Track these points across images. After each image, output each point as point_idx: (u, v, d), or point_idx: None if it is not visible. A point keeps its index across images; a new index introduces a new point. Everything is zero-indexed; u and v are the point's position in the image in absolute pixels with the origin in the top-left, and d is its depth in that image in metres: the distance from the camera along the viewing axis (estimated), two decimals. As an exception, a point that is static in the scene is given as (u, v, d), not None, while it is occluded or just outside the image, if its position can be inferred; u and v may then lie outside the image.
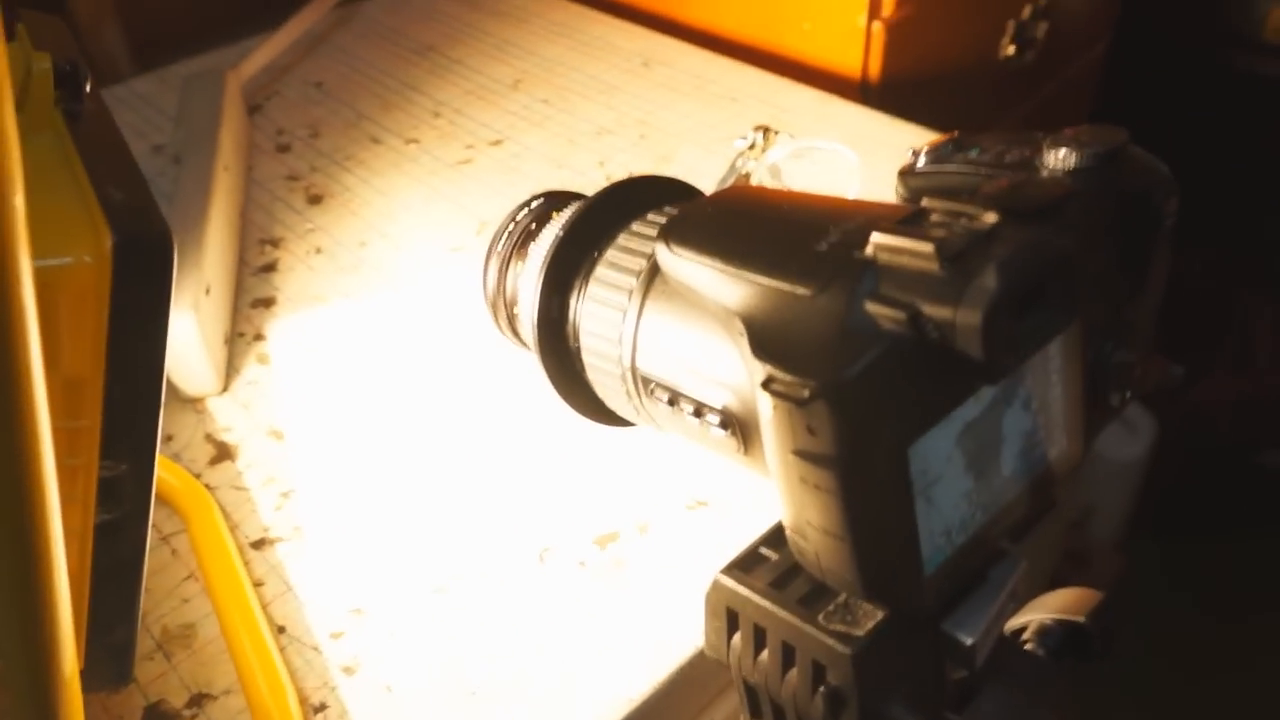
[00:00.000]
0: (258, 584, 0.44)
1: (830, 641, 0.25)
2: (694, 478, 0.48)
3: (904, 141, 0.72)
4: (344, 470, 0.50)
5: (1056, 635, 0.33)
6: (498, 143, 0.75)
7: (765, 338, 0.24)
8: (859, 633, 0.25)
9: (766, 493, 0.25)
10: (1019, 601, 0.26)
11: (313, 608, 0.44)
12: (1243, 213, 1.67)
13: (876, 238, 0.23)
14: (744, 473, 0.28)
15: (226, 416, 0.53)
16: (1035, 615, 0.34)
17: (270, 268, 0.64)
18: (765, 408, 0.23)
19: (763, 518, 0.28)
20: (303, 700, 0.40)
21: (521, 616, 0.43)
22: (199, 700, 0.40)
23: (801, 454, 0.23)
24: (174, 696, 0.40)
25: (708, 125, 0.75)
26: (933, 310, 0.22)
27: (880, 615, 0.25)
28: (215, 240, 0.57)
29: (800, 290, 0.24)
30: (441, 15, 0.94)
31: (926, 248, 0.22)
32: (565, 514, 0.47)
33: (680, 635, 0.41)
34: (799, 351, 0.23)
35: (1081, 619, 0.34)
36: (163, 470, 0.47)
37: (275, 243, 0.66)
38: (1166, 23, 1.54)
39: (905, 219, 0.24)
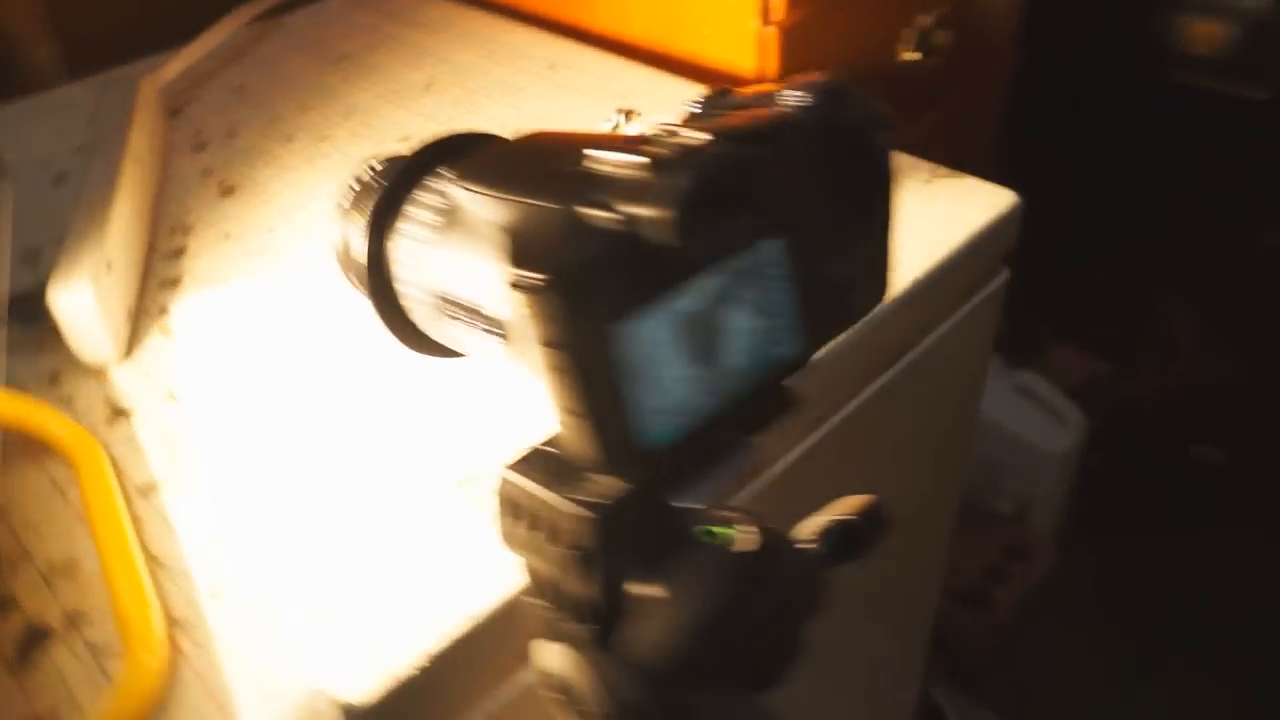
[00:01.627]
0: (139, 525, 0.48)
1: (579, 511, 0.29)
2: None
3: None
4: (237, 429, 0.54)
5: (834, 533, 0.38)
6: (405, 139, 0.79)
7: (516, 246, 0.28)
8: (602, 502, 0.29)
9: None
10: (741, 483, 0.31)
11: (190, 543, 0.47)
12: (1161, 217, 1.74)
13: (592, 154, 0.27)
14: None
15: (126, 383, 0.57)
16: (823, 517, 0.39)
17: (179, 252, 0.68)
18: (515, 306, 0.27)
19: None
20: (168, 617, 0.43)
21: (383, 540, 0.46)
22: (75, 620, 0.44)
23: (541, 341, 0.27)
24: (52, 616, 0.44)
25: (606, 120, 0.80)
26: (639, 209, 0.26)
27: (622, 488, 0.29)
28: (119, 223, 0.61)
29: (542, 204, 0.28)
30: (361, 27, 0.99)
31: (638, 160, 0.26)
32: (430, 451, 0.51)
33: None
34: (535, 253, 0.27)
35: (854, 517, 0.38)
36: (53, 422, 0.51)
37: (186, 230, 0.70)
38: (1085, 34, 1.61)
39: (631, 140, 0.28)
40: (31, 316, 0.56)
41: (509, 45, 0.94)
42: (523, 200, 0.29)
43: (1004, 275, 0.72)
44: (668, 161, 0.26)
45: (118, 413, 0.55)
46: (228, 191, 0.74)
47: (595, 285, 0.26)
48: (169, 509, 0.49)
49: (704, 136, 0.27)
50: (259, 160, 0.77)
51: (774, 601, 0.29)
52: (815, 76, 0.31)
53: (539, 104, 0.83)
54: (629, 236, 0.26)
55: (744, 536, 0.35)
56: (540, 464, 0.31)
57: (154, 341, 0.60)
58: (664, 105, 0.83)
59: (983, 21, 1.19)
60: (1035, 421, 1.53)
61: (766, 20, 0.90)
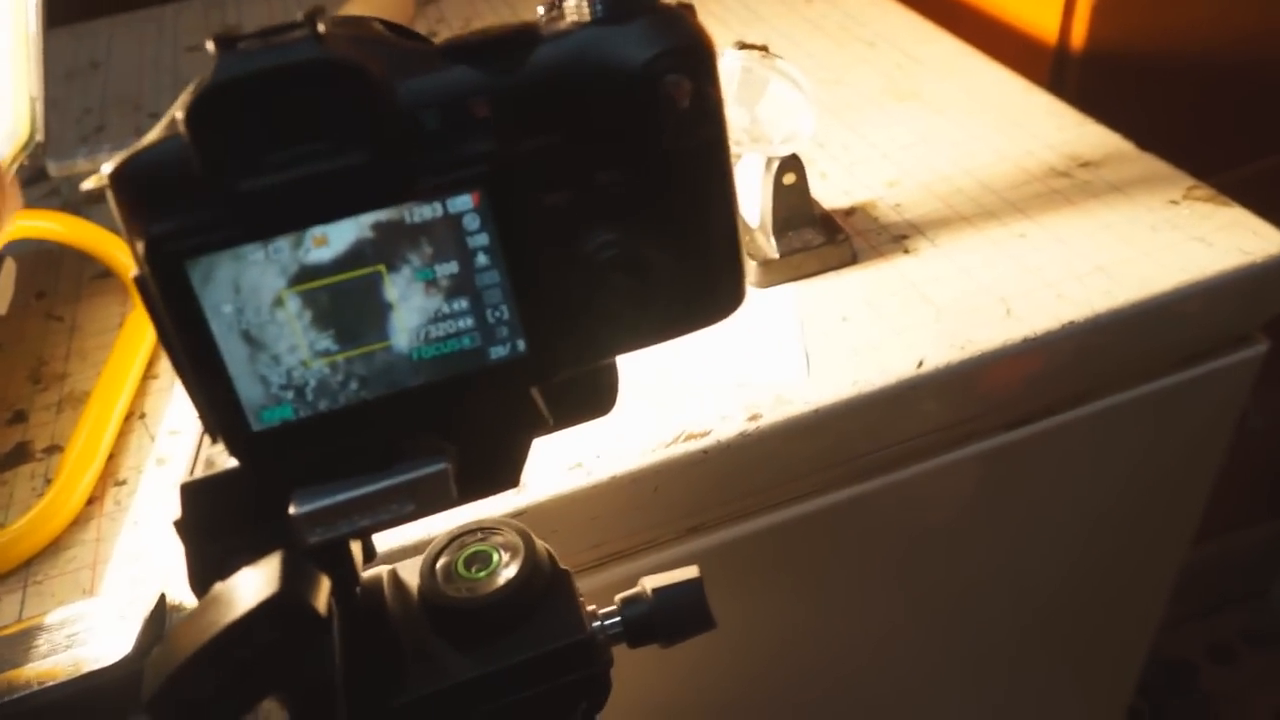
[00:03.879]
0: (153, 376, 0.50)
1: (182, 477, 0.24)
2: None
3: (1042, 116, 0.62)
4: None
5: (639, 605, 0.29)
6: (611, 55, 0.74)
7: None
8: (190, 477, 0.24)
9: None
10: (419, 504, 0.23)
11: (176, 405, 0.48)
12: None
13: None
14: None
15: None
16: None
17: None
18: None
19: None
20: (109, 473, 0.44)
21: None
22: (51, 450, 0.46)
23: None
24: (40, 442, 0.47)
25: (821, 66, 0.69)
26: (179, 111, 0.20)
27: (230, 466, 0.24)
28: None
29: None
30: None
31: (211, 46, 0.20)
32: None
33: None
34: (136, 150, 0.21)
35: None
36: (129, 257, 0.54)
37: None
38: None
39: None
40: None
41: (779, -30, 0.84)
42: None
43: (1260, 348, 0.53)
44: (236, 51, 0.19)
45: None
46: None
47: (159, 194, 0.20)
48: (183, 369, 0.50)
49: (302, 34, 0.19)
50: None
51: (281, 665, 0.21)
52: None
53: (769, 35, 0.74)
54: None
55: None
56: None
57: (278, 211, 0.62)
58: (905, 60, 0.71)
59: None
60: None
61: (1079, -28, 0.72)
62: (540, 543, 0.29)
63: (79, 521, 0.42)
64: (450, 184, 0.21)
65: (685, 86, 0.22)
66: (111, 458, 0.45)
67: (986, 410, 0.48)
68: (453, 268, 0.22)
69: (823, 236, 0.51)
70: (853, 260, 0.51)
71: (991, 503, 0.53)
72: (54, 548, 0.41)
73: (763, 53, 0.48)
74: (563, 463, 0.41)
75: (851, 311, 0.48)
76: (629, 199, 0.23)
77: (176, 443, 0.46)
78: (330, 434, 0.23)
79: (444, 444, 0.24)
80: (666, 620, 0.28)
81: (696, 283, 0.24)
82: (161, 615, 0.37)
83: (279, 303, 0.21)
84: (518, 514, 0.40)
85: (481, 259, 0.22)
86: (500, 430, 0.25)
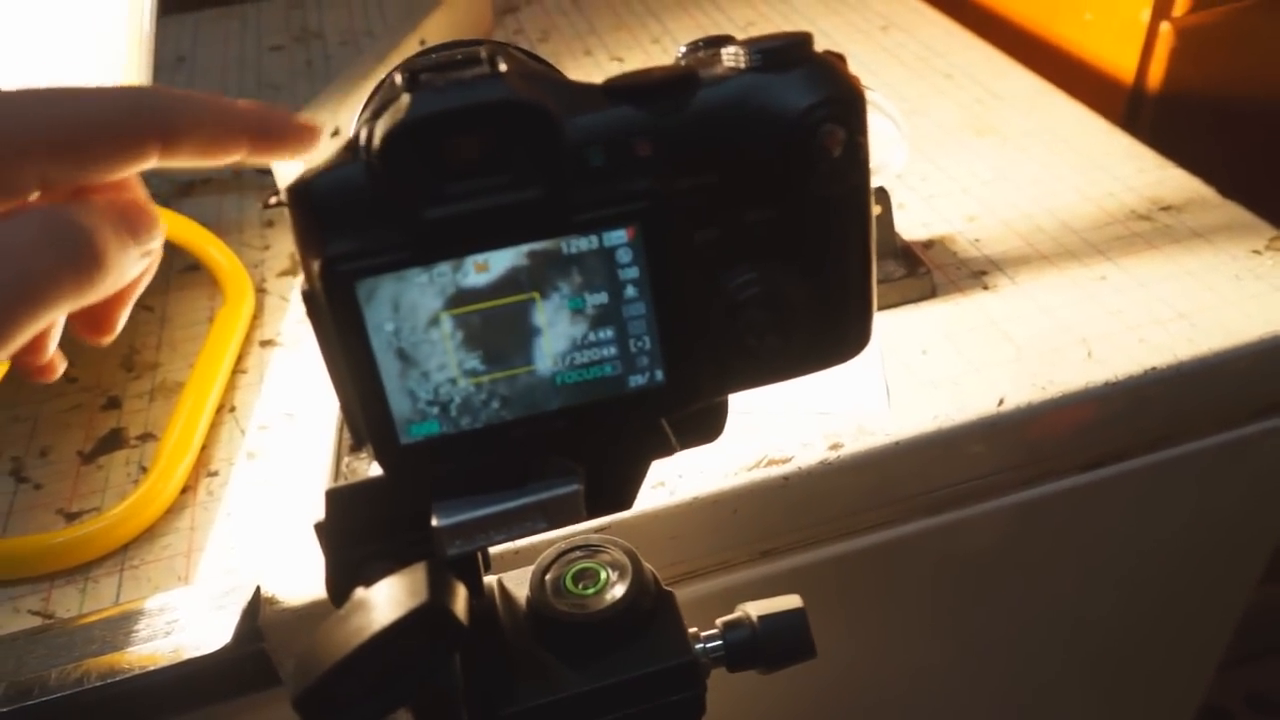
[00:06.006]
0: (241, 370, 0.51)
1: (328, 484, 0.25)
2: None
3: (1122, 158, 0.62)
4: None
5: (743, 630, 0.30)
6: (689, 74, 0.75)
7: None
8: (348, 481, 0.25)
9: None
10: (550, 521, 0.24)
11: (265, 400, 0.49)
12: None
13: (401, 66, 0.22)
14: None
15: (317, 243, 0.61)
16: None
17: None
18: None
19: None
20: (202, 463, 0.46)
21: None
22: (144, 438, 0.48)
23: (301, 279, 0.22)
24: (134, 429, 0.48)
25: (899, 96, 0.70)
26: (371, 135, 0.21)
27: (364, 475, 0.25)
28: (363, 97, 0.64)
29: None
30: (724, -45, 0.95)
31: (397, 78, 0.21)
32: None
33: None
34: (314, 166, 0.22)
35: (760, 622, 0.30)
36: (222, 257, 0.56)
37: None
38: None
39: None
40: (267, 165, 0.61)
41: (858, -3, 0.85)
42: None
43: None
44: (424, 87, 0.20)
45: (294, 267, 0.59)
46: (504, 92, 0.75)
47: (336, 214, 0.21)
48: (271, 367, 0.52)
49: (479, 70, 0.20)
50: (550, 69, 0.78)
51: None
52: (785, 34, 0.23)
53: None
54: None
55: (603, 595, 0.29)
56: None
57: (361, 213, 0.63)
58: (983, 95, 0.71)
59: None
60: None
61: (1162, 14, 0.72)
62: (646, 563, 0.30)
63: (173, 509, 0.43)
64: (609, 218, 0.22)
65: (839, 135, 0.22)
66: (204, 449, 0.46)
67: (1060, 452, 0.49)
68: (602, 298, 0.23)
69: (904, 269, 0.51)
70: (932, 293, 0.52)
71: (1057, 543, 0.53)
72: (150, 534, 0.42)
73: (856, 85, 0.49)
74: (647, 481, 0.42)
75: (931, 345, 0.49)
76: (774, 239, 0.23)
77: (266, 438, 0.47)
78: (471, 450, 0.23)
79: (575, 465, 0.25)
80: (771, 647, 0.29)
81: (829, 323, 0.25)
82: (256, 607, 0.38)
83: (434, 322, 0.22)
84: (600, 529, 0.41)
85: (630, 291, 0.23)
86: (627, 454, 0.26)
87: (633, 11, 0.86)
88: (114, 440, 0.48)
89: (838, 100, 0.22)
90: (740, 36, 0.23)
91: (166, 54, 0.85)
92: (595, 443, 0.25)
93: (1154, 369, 0.47)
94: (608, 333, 0.23)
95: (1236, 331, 0.48)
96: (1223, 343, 0.47)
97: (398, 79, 0.21)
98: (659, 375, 0.24)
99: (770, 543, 0.46)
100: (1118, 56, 0.76)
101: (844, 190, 0.23)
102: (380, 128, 0.20)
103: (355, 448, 0.27)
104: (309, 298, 0.22)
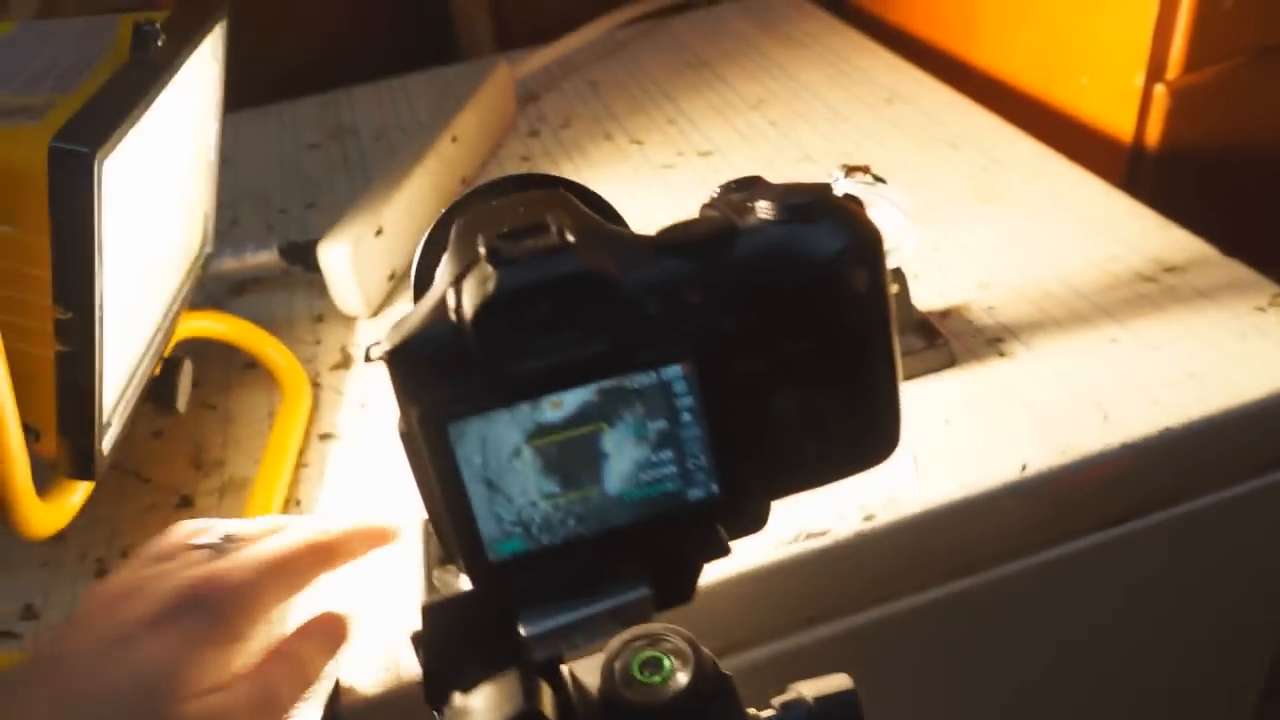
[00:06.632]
0: (303, 465, 0.55)
1: (423, 599, 0.28)
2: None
3: (1125, 220, 0.65)
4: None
5: (799, 711, 0.32)
6: (706, 154, 0.79)
7: (407, 315, 0.27)
8: (441, 594, 0.28)
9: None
10: (623, 623, 0.27)
11: (327, 492, 0.53)
12: None
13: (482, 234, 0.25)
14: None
15: (365, 336, 0.64)
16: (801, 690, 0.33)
17: (467, 228, 0.74)
18: None
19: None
20: (274, 559, 0.49)
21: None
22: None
23: (398, 419, 0.26)
24: (206, 528, 0.52)
25: (906, 166, 0.73)
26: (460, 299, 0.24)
27: (459, 590, 0.28)
28: (408, 194, 0.68)
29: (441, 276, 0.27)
30: (732, 35, 0.99)
31: (479, 249, 0.24)
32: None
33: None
34: (402, 324, 0.26)
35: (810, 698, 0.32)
36: (281, 357, 0.59)
37: (483, 209, 0.77)
38: None
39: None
40: (311, 263, 0.65)
41: (861, 70, 0.89)
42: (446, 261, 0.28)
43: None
44: (512, 260, 0.23)
45: (346, 360, 0.63)
46: (531, 179, 0.79)
47: (429, 368, 0.24)
48: (331, 460, 0.55)
49: (553, 239, 0.24)
50: (571, 152, 0.82)
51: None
52: (809, 187, 0.26)
53: (854, 137, 0.78)
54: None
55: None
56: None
57: (403, 306, 0.67)
58: (987, 163, 0.74)
59: None
60: None
61: (1155, 77, 0.76)
62: (704, 647, 0.32)
63: (251, 605, 0.46)
64: (666, 356, 0.25)
65: (863, 275, 0.25)
66: (275, 544, 0.49)
67: (1082, 511, 0.51)
68: (662, 424, 0.26)
69: (923, 341, 0.54)
70: (951, 363, 0.55)
71: (1084, 597, 0.56)
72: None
73: (865, 174, 0.52)
74: (692, 559, 0.45)
75: (953, 414, 0.52)
76: (811, 366, 0.26)
77: (331, 531, 0.50)
78: (552, 564, 0.26)
79: (641, 569, 0.28)
80: (825, 726, 0.31)
81: (864, 431, 0.28)
82: (336, 698, 0.41)
83: (517, 454, 0.25)
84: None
85: (686, 416, 0.26)
86: (687, 555, 0.29)
87: (648, 94, 0.90)
88: (189, 538, 0.51)
89: (860, 245, 0.25)
90: (753, 116, 0.27)
91: (208, 154, 0.90)
92: (659, 549, 0.27)
93: (1168, 429, 0.49)
94: (668, 454, 0.26)
95: (1245, 389, 0.50)
96: (1233, 401, 0.50)
97: (480, 247, 0.24)
98: (714, 488, 0.27)
99: (812, 610, 0.49)
100: (1115, 119, 0.79)
101: (870, 319, 0.26)
102: (469, 299, 0.23)
103: (444, 561, 0.30)
104: (407, 438, 0.25)
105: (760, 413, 0.27)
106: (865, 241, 0.25)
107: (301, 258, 0.66)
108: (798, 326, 0.26)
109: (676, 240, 0.25)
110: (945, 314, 0.59)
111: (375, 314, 0.66)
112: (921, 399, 0.53)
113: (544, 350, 0.24)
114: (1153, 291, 0.58)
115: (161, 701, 0.31)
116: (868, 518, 0.46)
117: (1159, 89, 0.76)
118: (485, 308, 0.23)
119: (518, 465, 0.25)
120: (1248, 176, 0.81)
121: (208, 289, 0.71)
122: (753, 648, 0.48)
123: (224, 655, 0.33)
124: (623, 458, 0.26)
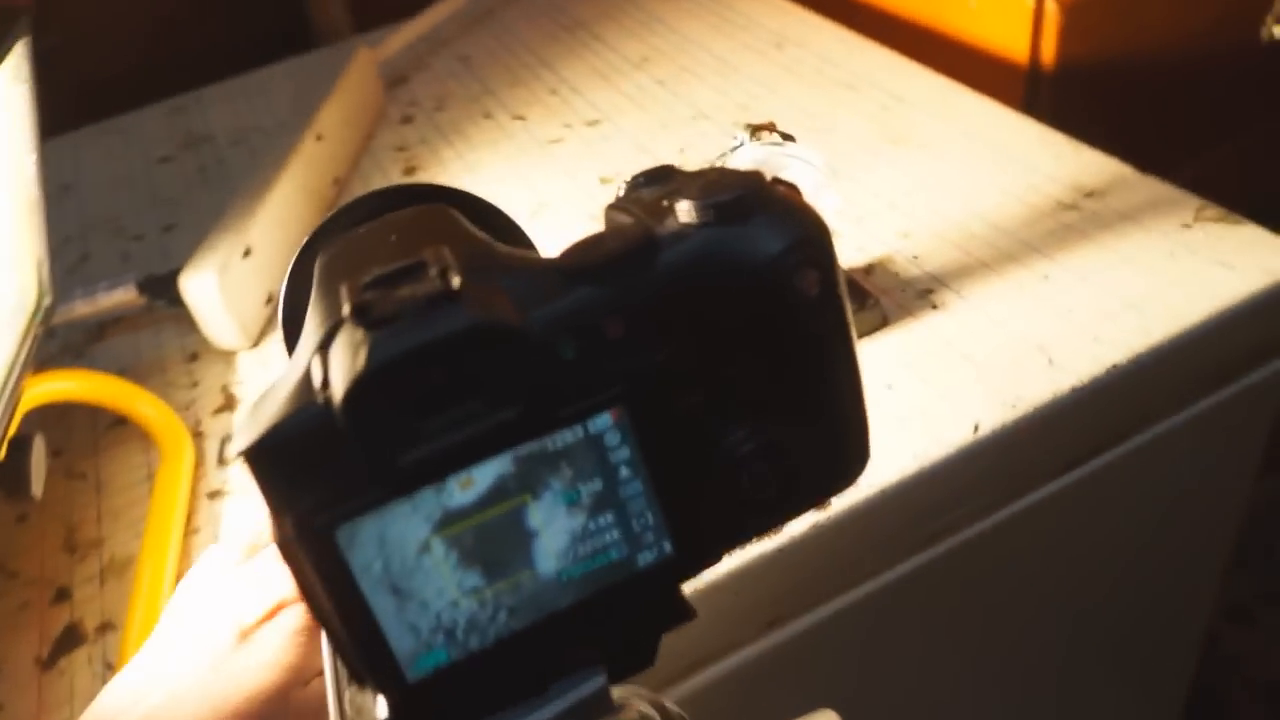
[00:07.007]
0: (193, 531, 0.49)
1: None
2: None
3: (1037, 147, 0.62)
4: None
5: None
6: (594, 123, 0.74)
7: (264, 392, 0.22)
8: None
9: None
10: (584, 719, 0.23)
11: (226, 562, 0.47)
12: None
13: (344, 288, 0.20)
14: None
15: (247, 371, 0.58)
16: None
17: (346, 235, 0.68)
18: None
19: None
20: (172, 646, 0.43)
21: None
22: (103, 630, 0.45)
23: (269, 525, 0.21)
24: (90, 620, 0.45)
25: (806, 114, 0.70)
26: (326, 373, 0.19)
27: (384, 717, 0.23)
28: (274, 207, 0.62)
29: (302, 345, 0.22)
30: (605, -10, 0.94)
31: (345, 311, 0.19)
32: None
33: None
34: (263, 407, 0.20)
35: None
36: (152, 410, 0.53)
37: (361, 211, 0.70)
38: None
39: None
40: (176, 296, 0.58)
41: (745, 15, 0.85)
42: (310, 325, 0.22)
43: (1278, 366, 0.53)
44: (375, 320, 0.18)
45: (229, 402, 0.56)
46: (409, 172, 0.73)
47: (299, 466, 0.19)
48: (225, 521, 0.49)
49: (441, 286, 0.19)
50: (451, 137, 0.76)
51: None
52: (735, 177, 0.21)
53: (747, 87, 0.74)
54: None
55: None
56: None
57: (287, 330, 0.61)
58: (889, 101, 0.71)
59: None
60: None
61: (1045, -9, 0.73)
62: (673, 708, 0.28)
63: (151, 705, 0.41)
64: (591, 407, 0.21)
65: (813, 276, 0.21)
66: (171, 628, 0.44)
67: (1038, 461, 0.49)
68: (596, 485, 0.21)
69: (854, 304, 0.51)
70: (884, 323, 0.51)
71: (1046, 545, 0.54)
72: (131, 738, 0.40)
73: (771, 133, 0.48)
74: (642, 582, 0.41)
75: (894, 378, 0.48)
76: (762, 388, 0.22)
77: (235, 603, 0.44)
78: (485, 669, 0.22)
79: (595, 652, 0.23)
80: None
81: (830, 453, 0.24)
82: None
83: (425, 549, 0.21)
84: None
85: (624, 471, 0.21)
86: (646, 624, 0.24)
87: (525, 64, 0.84)
88: (71, 638, 0.45)
89: (807, 242, 0.21)
90: (639, 77, 0.22)
91: (49, 183, 0.81)
92: (612, 625, 0.23)
93: (1115, 366, 0.47)
94: (607, 518, 0.22)
95: (1184, 314, 0.48)
96: (1174, 328, 0.48)
97: (344, 304, 0.19)
98: (666, 547, 0.22)
99: (774, 612, 0.45)
100: (1008, 41, 0.77)
101: (825, 325, 0.22)
102: (338, 375, 0.18)
103: (358, 680, 0.25)
104: (285, 549, 0.20)
105: (709, 451, 0.22)
106: (810, 237, 0.21)
107: (164, 291, 0.59)
108: (741, 347, 0.22)
109: (586, 262, 0.21)
110: (869, 270, 0.56)
111: (256, 344, 0.60)
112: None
113: (439, 430, 0.19)
114: (1076, 220, 0.56)
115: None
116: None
117: (1050, 5, 0.73)
118: (356, 388, 0.18)
119: (428, 562, 0.21)
120: (1144, 87, 0.79)
121: (63, 338, 0.63)
122: (719, 661, 0.45)
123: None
124: (555, 532, 0.21)
